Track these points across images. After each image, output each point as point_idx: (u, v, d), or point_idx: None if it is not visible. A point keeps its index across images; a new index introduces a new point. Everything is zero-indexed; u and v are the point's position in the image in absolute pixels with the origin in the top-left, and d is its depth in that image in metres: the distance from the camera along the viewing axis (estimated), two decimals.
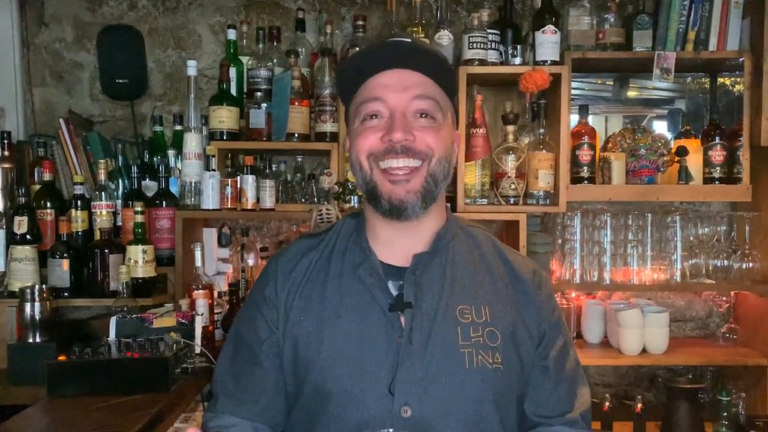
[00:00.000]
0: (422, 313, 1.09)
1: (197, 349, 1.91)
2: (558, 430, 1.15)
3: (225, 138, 2.35)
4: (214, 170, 2.27)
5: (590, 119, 2.44)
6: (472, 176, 2.34)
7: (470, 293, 1.14)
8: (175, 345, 1.87)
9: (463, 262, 1.17)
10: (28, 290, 2.08)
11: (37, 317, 2.08)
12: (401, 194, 1.08)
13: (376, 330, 1.08)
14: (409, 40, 1.11)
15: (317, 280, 1.15)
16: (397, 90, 1.09)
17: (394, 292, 1.11)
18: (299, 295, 1.15)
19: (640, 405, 2.28)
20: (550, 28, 2.27)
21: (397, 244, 1.15)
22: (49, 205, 2.36)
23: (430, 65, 1.11)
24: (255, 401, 1.15)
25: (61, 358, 1.80)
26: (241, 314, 1.24)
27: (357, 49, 2.34)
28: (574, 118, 2.42)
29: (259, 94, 2.36)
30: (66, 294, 2.25)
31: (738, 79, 2.43)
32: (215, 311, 2.21)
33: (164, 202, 2.38)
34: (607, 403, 2.30)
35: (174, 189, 2.44)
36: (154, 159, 2.51)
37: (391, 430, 0.81)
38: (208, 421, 1.17)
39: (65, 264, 2.25)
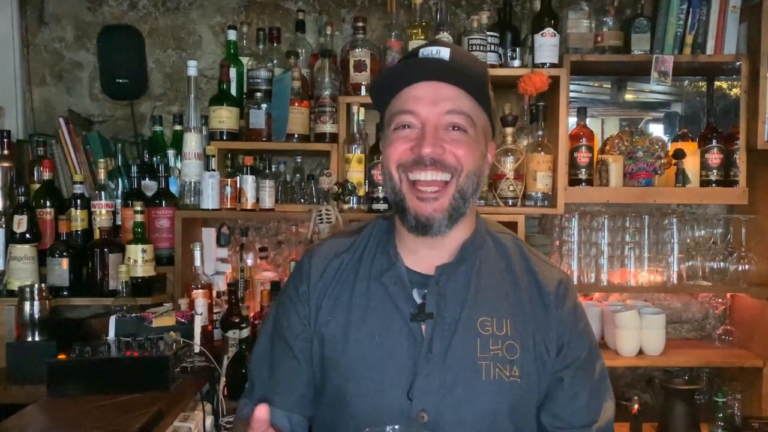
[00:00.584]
0: (444, 323, 1.10)
1: (196, 349, 1.92)
2: None
3: (225, 138, 2.36)
4: (213, 170, 2.27)
5: (588, 122, 2.45)
6: None
7: (493, 305, 1.14)
8: (174, 344, 1.88)
9: (488, 273, 1.17)
10: (28, 289, 2.08)
11: (36, 316, 2.08)
12: (428, 212, 1.09)
13: (398, 337, 1.10)
14: (448, 51, 1.10)
15: (347, 282, 1.17)
16: (429, 103, 1.09)
17: (418, 300, 1.13)
18: (328, 295, 1.17)
19: (636, 406, 2.29)
20: (549, 30, 2.29)
21: (422, 253, 1.16)
22: (48, 204, 2.36)
23: (466, 79, 1.10)
24: (289, 393, 1.18)
25: (61, 356, 1.80)
26: (275, 307, 1.27)
27: (358, 50, 2.35)
28: (572, 121, 2.43)
29: (259, 94, 2.37)
30: (65, 293, 2.25)
31: (735, 83, 2.45)
32: (214, 311, 2.21)
33: (164, 202, 2.39)
34: None
35: (173, 189, 2.44)
36: (154, 159, 2.51)
37: (396, 426, 0.82)
38: (244, 407, 1.21)
39: (64, 263, 2.25)
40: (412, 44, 2.35)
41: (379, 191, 2.30)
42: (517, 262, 1.20)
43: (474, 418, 1.08)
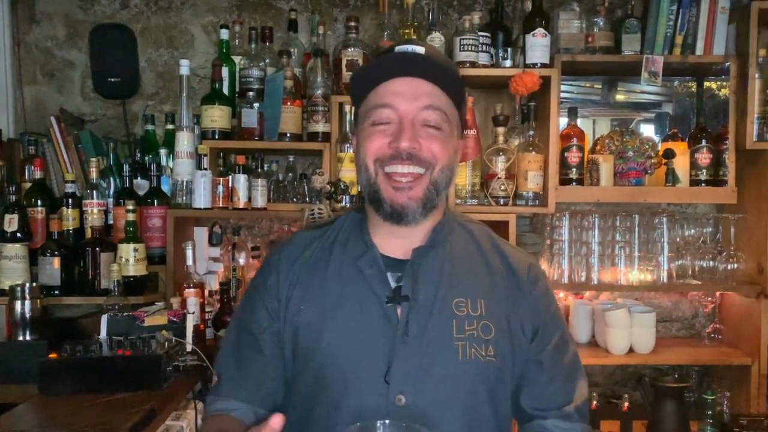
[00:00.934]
0: (419, 305, 1.12)
1: (188, 348, 1.91)
2: (553, 424, 1.18)
3: (217, 137, 2.36)
4: (206, 169, 2.27)
5: (578, 122, 2.47)
6: (462, 177, 2.36)
7: (466, 286, 1.16)
8: (166, 343, 1.88)
9: (460, 256, 1.19)
10: (19, 288, 2.07)
11: (27, 315, 2.07)
12: (403, 200, 1.11)
13: (374, 321, 1.11)
14: (423, 50, 1.12)
15: (318, 270, 1.18)
16: (407, 98, 1.11)
17: (393, 284, 1.14)
18: (300, 284, 1.18)
19: (626, 404, 2.31)
20: (540, 31, 2.30)
21: (395, 238, 1.18)
22: (39, 203, 2.35)
23: (442, 76, 1.13)
24: (257, 387, 1.18)
25: (53, 355, 1.80)
26: (243, 302, 1.28)
27: (350, 50, 2.36)
28: (563, 121, 2.45)
29: (251, 93, 2.37)
30: (56, 292, 2.24)
31: (724, 84, 2.47)
32: (206, 310, 2.22)
33: (156, 201, 2.38)
34: (595, 402, 2.33)
35: (165, 188, 2.44)
36: (146, 158, 2.51)
37: (387, 421, 0.82)
38: (211, 404, 1.21)
39: (56, 262, 2.24)
40: None
41: None
42: (486, 246, 1.23)
43: (451, 399, 1.10)
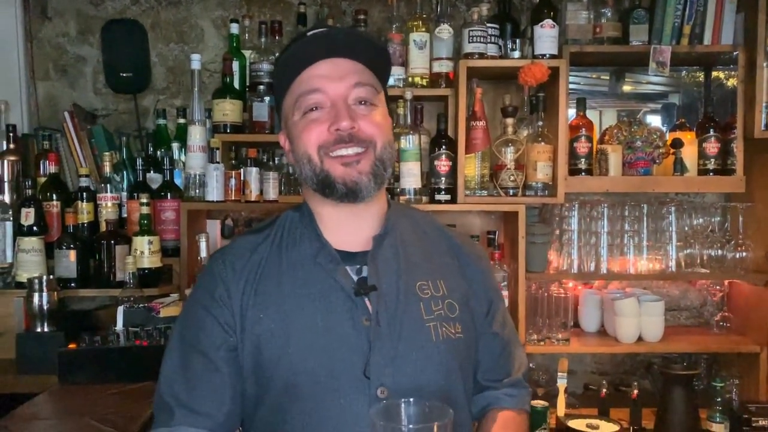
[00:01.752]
0: (384, 294, 1.11)
1: None
2: (504, 393, 1.23)
3: (228, 131, 2.38)
4: (218, 163, 2.30)
5: (586, 113, 2.47)
6: (471, 168, 2.37)
7: (424, 269, 1.17)
8: None
9: (411, 240, 1.20)
10: (36, 281, 2.12)
11: (44, 307, 2.12)
12: (354, 175, 1.09)
13: (342, 316, 1.08)
14: (333, 30, 1.13)
15: (272, 275, 1.13)
16: (335, 79, 1.10)
17: (354, 277, 1.12)
18: (254, 292, 1.11)
19: (636, 392, 2.32)
20: (548, 22, 2.31)
21: (347, 229, 1.16)
22: (55, 197, 2.39)
23: (361, 51, 1.12)
24: (216, 411, 1.08)
25: (72, 346, 1.85)
26: (184, 319, 1.16)
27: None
28: (572, 112, 2.46)
29: (261, 87, 2.39)
30: (73, 284, 2.29)
31: (732, 73, 2.48)
32: None
33: (169, 194, 2.41)
34: (604, 390, 2.35)
35: (178, 181, 2.47)
36: (158, 152, 2.54)
37: (411, 399, 0.84)
38: None
39: (72, 255, 2.28)
40: (413, 36, 2.38)
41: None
42: (431, 231, 1.26)
43: (431, 382, 1.09)
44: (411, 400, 0.84)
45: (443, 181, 2.33)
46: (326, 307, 1.09)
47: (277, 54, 2.47)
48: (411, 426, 0.81)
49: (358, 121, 1.10)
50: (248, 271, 1.13)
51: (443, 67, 2.39)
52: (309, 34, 1.12)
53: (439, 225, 1.29)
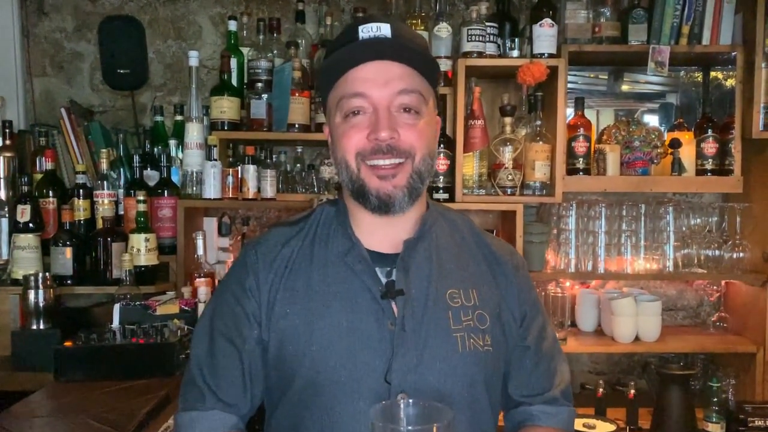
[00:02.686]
0: (413, 299, 1.08)
1: None
2: (539, 410, 1.18)
3: (226, 128, 2.37)
4: (215, 160, 2.29)
5: (584, 112, 2.47)
6: (470, 167, 2.37)
7: (457, 277, 1.14)
8: (179, 331, 1.91)
9: (446, 246, 1.17)
10: (32, 278, 2.11)
11: (40, 304, 2.11)
12: (389, 189, 1.07)
13: (367, 318, 1.07)
14: (389, 27, 1.06)
15: (301, 270, 1.12)
16: (379, 84, 1.05)
17: (383, 279, 1.10)
18: (283, 286, 1.11)
19: (632, 391, 2.33)
20: (547, 21, 2.31)
21: (381, 232, 1.13)
22: (51, 193, 2.38)
23: (413, 56, 1.07)
24: (238, 402, 1.11)
25: (68, 343, 1.84)
26: (215, 306, 1.17)
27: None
28: (570, 112, 2.46)
29: (259, 84, 2.39)
30: (69, 282, 2.28)
31: (730, 73, 2.48)
32: None
33: (166, 192, 2.40)
34: (601, 390, 2.35)
35: (175, 178, 2.46)
36: (155, 149, 2.53)
37: (410, 400, 0.83)
38: (201, 420, 1.09)
39: (68, 252, 2.27)
40: None
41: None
42: (469, 236, 1.22)
43: (453, 392, 1.06)
44: (411, 400, 0.83)
45: (441, 180, 2.33)
46: (352, 308, 1.07)
47: (275, 51, 2.47)
48: (410, 427, 0.80)
49: (398, 130, 1.06)
50: (278, 264, 1.13)
51: (442, 65, 2.39)
52: (360, 34, 1.07)
53: (478, 231, 1.25)
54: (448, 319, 1.09)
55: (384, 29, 1.06)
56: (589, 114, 2.69)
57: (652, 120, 2.80)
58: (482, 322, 1.12)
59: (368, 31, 1.06)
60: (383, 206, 1.08)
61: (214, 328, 1.14)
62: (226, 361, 1.11)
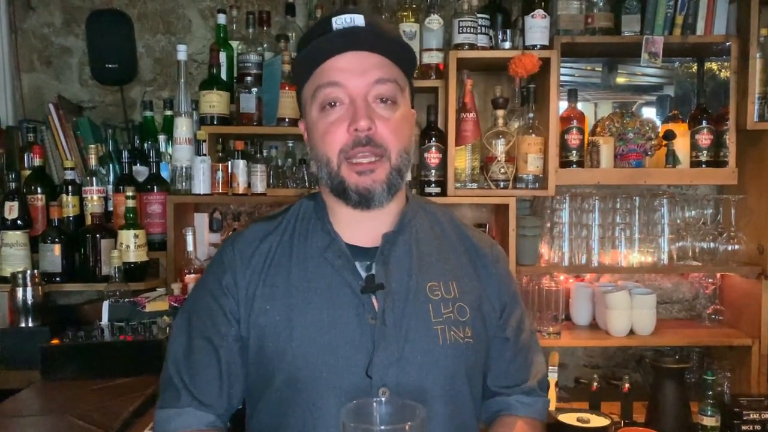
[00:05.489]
0: (393, 293, 1.08)
1: None
2: (516, 399, 1.20)
3: (215, 123, 2.35)
4: (205, 155, 2.27)
5: (579, 105, 2.44)
6: (462, 160, 2.35)
7: (437, 269, 1.14)
8: (168, 328, 1.89)
9: (426, 239, 1.17)
10: (20, 275, 2.09)
11: (29, 302, 2.09)
12: (368, 183, 1.07)
13: (347, 313, 1.07)
14: (362, 18, 1.06)
15: (280, 266, 1.11)
16: (356, 74, 1.05)
17: (363, 274, 1.10)
18: (262, 282, 1.10)
19: (627, 385, 2.31)
20: (539, 12, 2.28)
21: (360, 226, 1.13)
22: (39, 190, 2.36)
23: (388, 46, 1.08)
24: (214, 402, 1.10)
25: (55, 341, 1.82)
26: (193, 303, 1.16)
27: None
28: (563, 104, 2.43)
29: (249, 78, 2.36)
30: (58, 279, 2.26)
31: (725, 64, 2.45)
32: None
33: (155, 187, 2.38)
34: (595, 384, 2.33)
35: (165, 174, 2.44)
36: (145, 144, 2.51)
37: (383, 399, 0.82)
38: (175, 417, 1.09)
39: (57, 249, 2.25)
40: (402, 27, 2.35)
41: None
42: (450, 229, 1.22)
43: (435, 385, 1.07)
44: (383, 399, 0.81)
45: (433, 174, 2.30)
46: (332, 303, 1.07)
47: (265, 45, 2.44)
48: (383, 427, 0.79)
49: (377, 122, 1.06)
50: (257, 260, 1.12)
51: (433, 58, 2.37)
52: (334, 25, 1.06)
53: (459, 223, 1.25)
54: (429, 312, 1.10)
55: (357, 20, 1.06)
56: (586, 107, 2.68)
57: (650, 112, 2.77)
58: (462, 314, 1.12)
59: (342, 22, 1.06)
60: (363, 201, 1.08)
61: (192, 326, 1.13)
62: (202, 360, 1.10)
